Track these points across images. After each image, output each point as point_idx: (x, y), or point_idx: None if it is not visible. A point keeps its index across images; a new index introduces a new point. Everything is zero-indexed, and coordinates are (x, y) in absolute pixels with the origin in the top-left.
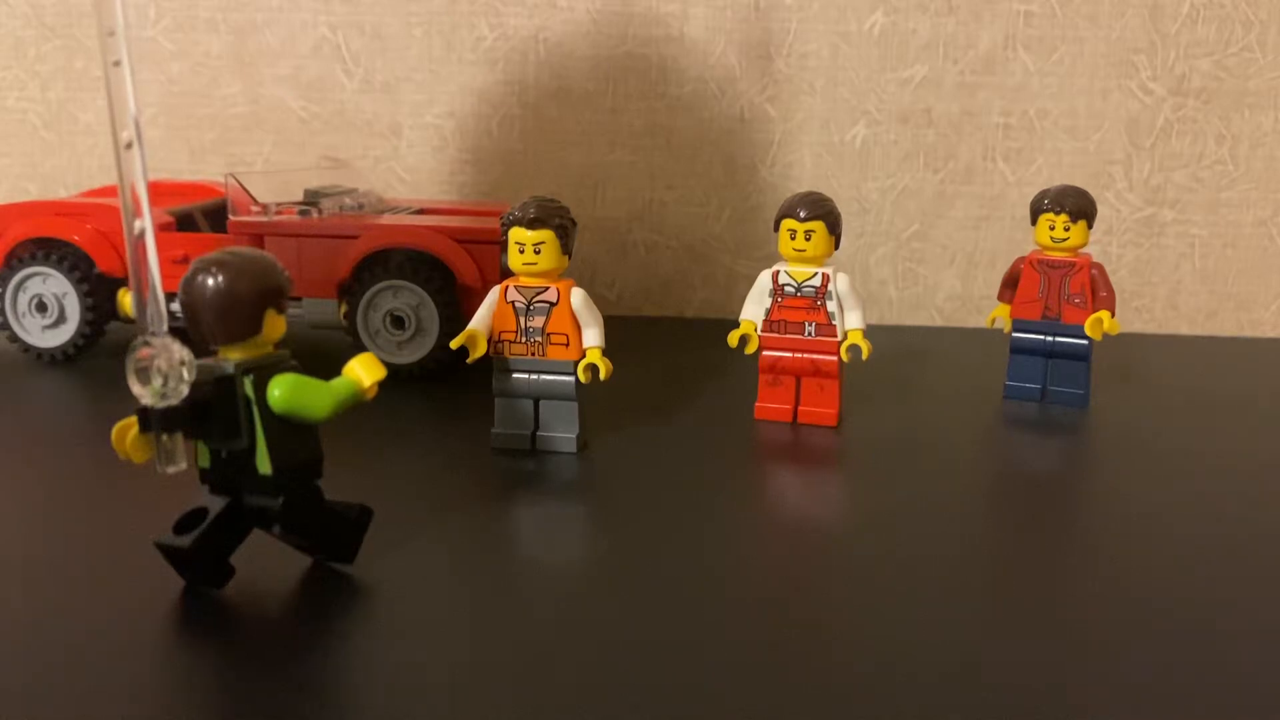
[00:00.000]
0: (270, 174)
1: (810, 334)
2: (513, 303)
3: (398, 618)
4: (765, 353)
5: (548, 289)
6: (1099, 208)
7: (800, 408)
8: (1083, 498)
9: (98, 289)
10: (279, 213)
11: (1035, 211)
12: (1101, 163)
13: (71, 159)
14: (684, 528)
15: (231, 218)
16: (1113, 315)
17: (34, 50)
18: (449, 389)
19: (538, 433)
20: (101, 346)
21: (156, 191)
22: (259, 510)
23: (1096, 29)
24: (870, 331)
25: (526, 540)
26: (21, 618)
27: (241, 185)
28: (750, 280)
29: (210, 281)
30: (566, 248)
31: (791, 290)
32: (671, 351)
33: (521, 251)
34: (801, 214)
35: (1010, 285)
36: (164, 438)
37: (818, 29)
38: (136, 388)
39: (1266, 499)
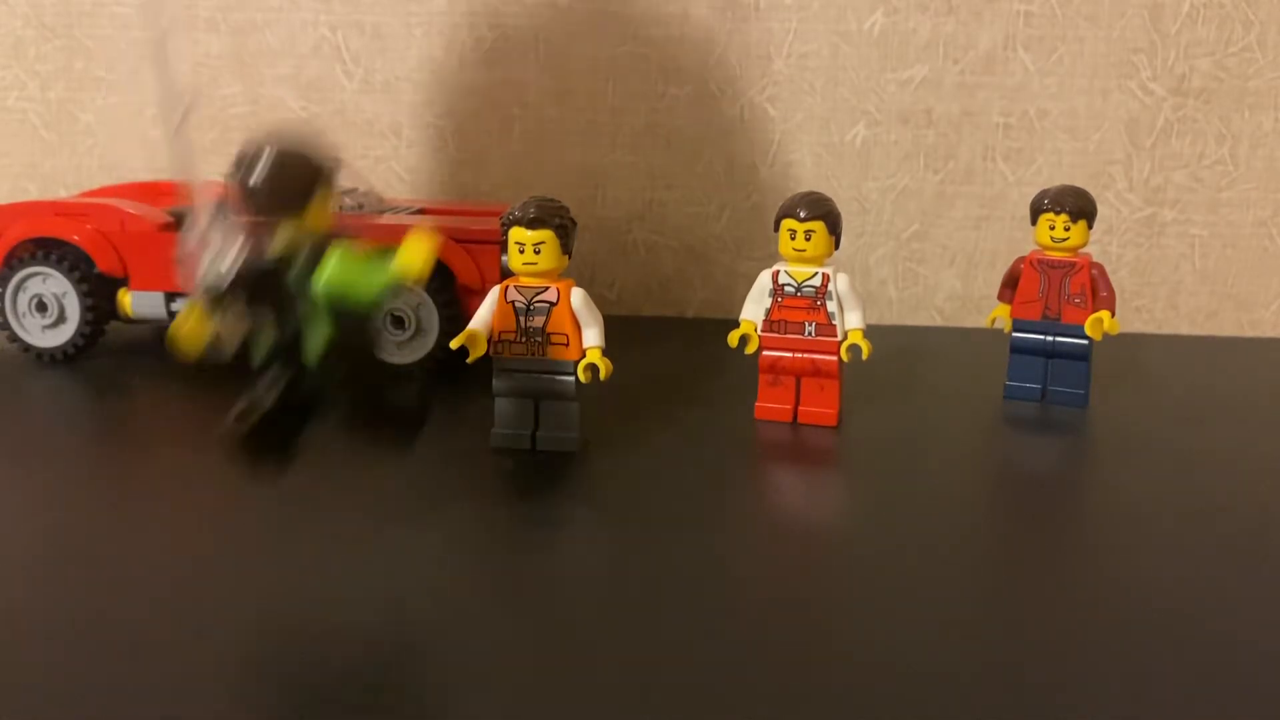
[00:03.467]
0: None
1: (810, 334)
2: (513, 302)
3: (398, 618)
4: (765, 353)
5: (548, 289)
6: (1099, 208)
7: (800, 408)
8: (1083, 498)
9: (98, 289)
10: None
11: (1035, 211)
12: (1101, 163)
13: (71, 159)
14: (684, 528)
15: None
16: (1113, 315)
17: (34, 50)
18: (449, 389)
19: (538, 433)
20: (101, 346)
21: (157, 191)
22: (313, 392)
23: (1096, 29)
24: (870, 331)
25: (526, 540)
26: (21, 617)
27: None
28: (750, 280)
29: (263, 158)
30: (566, 247)
31: (791, 290)
32: (671, 351)
33: (521, 251)
34: (801, 214)
35: (1010, 285)
36: (218, 327)
37: (818, 29)
38: (205, 267)
39: (1267, 499)
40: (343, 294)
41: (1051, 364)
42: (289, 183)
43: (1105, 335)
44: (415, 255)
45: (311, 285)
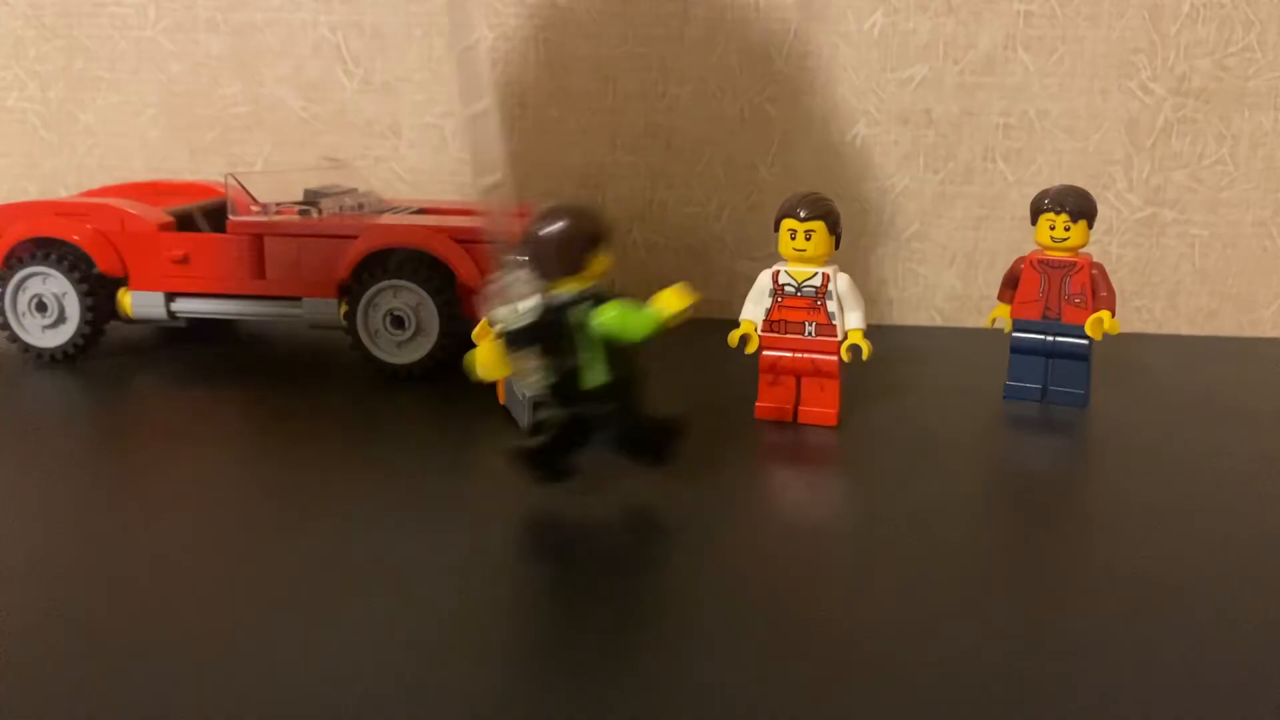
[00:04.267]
0: (270, 174)
1: (810, 334)
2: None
3: (403, 616)
4: (765, 352)
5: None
6: (1099, 208)
7: (800, 407)
8: (1082, 498)
9: (97, 289)
10: (279, 213)
11: (1035, 211)
12: (1101, 163)
13: (71, 159)
14: (686, 526)
15: (232, 218)
16: (1113, 315)
17: (34, 50)
18: (450, 389)
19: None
20: (101, 346)
21: (157, 191)
22: (595, 418)
23: (1096, 29)
24: (870, 331)
25: (529, 539)
26: (22, 618)
27: (241, 185)
28: (750, 280)
29: (550, 228)
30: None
31: (792, 290)
32: (671, 351)
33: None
34: (801, 214)
35: (1010, 285)
36: (518, 358)
37: (818, 29)
38: (500, 313)
39: (1267, 499)
40: (619, 334)
41: (1051, 364)
42: (574, 249)
43: (1105, 335)
44: (674, 302)
45: (593, 328)
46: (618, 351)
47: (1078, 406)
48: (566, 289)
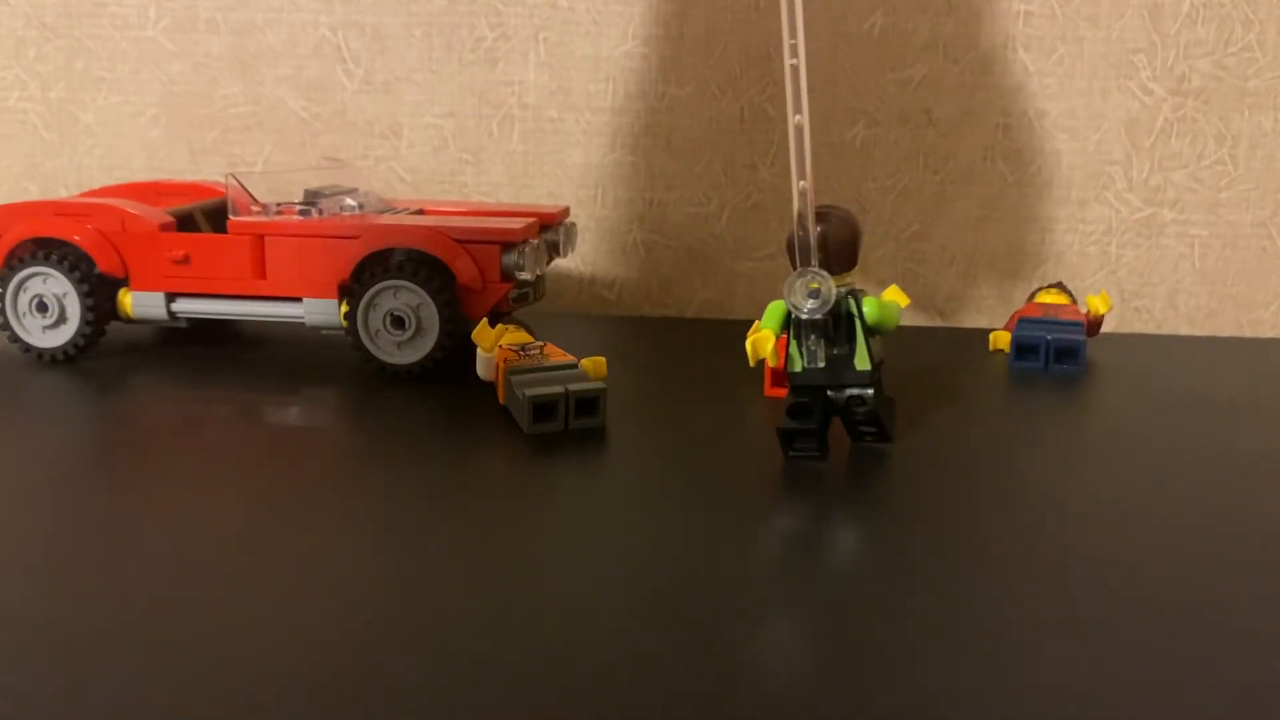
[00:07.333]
0: (270, 174)
1: None
2: None
3: (416, 612)
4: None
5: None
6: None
7: None
8: (1081, 497)
9: (98, 289)
10: (279, 213)
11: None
12: (1101, 163)
13: (72, 159)
14: (691, 522)
15: (232, 218)
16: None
17: (34, 50)
18: (450, 389)
19: None
20: (101, 346)
21: (158, 192)
22: (850, 399)
23: (1096, 29)
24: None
25: (530, 538)
26: (24, 618)
27: (242, 185)
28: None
29: (838, 225)
30: None
31: None
32: (672, 352)
33: None
34: None
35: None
36: (810, 340)
37: (818, 29)
38: (809, 304)
39: (1266, 498)
40: (882, 323)
41: (1050, 349)
42: (855, 246)
43: (1104, 333)
44: (903, 297)
45: (864, 318)
46: (876, 340)
47: (1076, 368)
48: (842, 283)
